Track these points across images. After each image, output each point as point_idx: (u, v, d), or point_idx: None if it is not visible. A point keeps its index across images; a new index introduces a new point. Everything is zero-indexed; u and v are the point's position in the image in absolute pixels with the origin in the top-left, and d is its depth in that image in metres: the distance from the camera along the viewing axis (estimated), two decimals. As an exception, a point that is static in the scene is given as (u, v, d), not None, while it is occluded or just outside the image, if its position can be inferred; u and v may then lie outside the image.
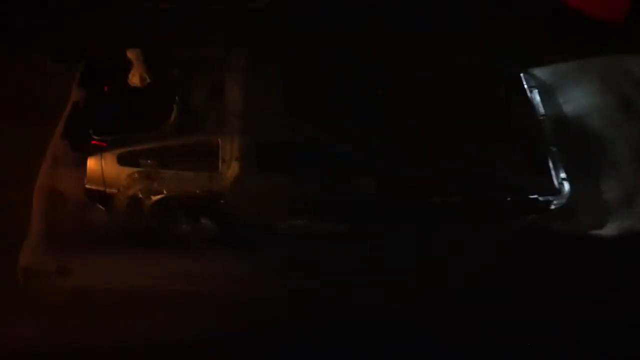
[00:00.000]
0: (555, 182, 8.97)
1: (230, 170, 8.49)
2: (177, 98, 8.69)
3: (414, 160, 8.73)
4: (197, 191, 8.59)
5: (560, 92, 10.24)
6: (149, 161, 8.58)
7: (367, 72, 9.31)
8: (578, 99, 10.15)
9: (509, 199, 8.87)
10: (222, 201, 8.65)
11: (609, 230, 8.90)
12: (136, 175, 8.57)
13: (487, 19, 10.99)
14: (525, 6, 10.93)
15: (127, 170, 8.59)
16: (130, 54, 8.72)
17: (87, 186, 8.72)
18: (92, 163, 8.61)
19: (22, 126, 9.75)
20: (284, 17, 11.08)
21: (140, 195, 8.63)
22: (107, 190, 8.68)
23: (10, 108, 9.95)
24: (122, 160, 8.57)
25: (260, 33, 9.82)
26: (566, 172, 9.19)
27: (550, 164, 9.09)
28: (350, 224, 8.99)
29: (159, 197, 8.64)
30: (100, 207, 8.82)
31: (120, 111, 8.71)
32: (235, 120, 8.50)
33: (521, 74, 9.93)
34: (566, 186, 9.08)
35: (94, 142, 8.60)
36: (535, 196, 8.90)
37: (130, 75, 8.83)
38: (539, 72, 10.38)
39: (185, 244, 8.93)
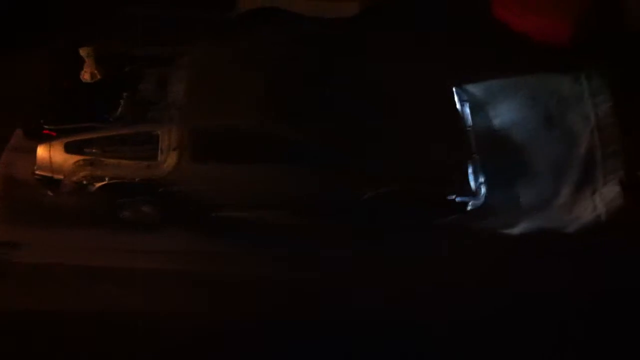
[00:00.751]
0: (473, 185, 9.63)
1: (168, 159, 9.21)
2: (124, 93, 9.43)
3: (349, 156, 9.38)
4: (137, 179, 9.28)
5: (491, 106, 10.93)
6: (93, 150, 9.30)
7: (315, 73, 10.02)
8: (507, 113, 10.85)
9: (429, 197, 9.51)
10: (160, 189, 9.32)
11: (521, 229, 9.51)
12: (81, 162, 9.31)
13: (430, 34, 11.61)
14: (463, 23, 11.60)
15: (73, 158, 9.32)
16: (82, 52, 9.50)
17: (36, 172, 9.42)
18: (41, 151, 9.36)
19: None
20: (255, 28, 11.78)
21: (85, 182, 9.32)
22: (55, 176, 9.39)
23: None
24: (68, 149, 9.32)
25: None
26: (486, 177, 9.83)
27: (470, 169, 9.75)
28: (283, 215, 9.61)
29: (101, 183, 9.33)
30: (49, 192, 9.49)
31: (71, 104, 9.45)
32: (175, 113, 9.24)
33: (454, 89, 10.63)
34: (483, 189, 9.74)
35: (45, 131, 9.32)
36: (453, 197, 9.56)
37: (82, 72, 9.58)
38: (473, 88, 11.07)
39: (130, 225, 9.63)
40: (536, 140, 10.57)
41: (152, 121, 9.30)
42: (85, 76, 9.62)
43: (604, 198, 9.66)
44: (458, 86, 10.89)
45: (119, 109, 9.38)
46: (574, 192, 9.98)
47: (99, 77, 9.60)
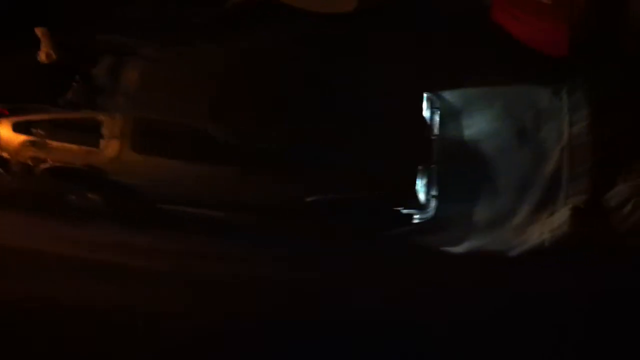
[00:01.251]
0: (422, 198, 9.31)
1: (109, 148, 9.17)
2: (77, 76, 9.40)
3: (294, 158, 9.20)
4: (78, 165, 9.28)
5: (465, 115, 10.53)
6: (39, 131, 9.33)
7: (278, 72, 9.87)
8: (480, 124, 10.43)
9: (374, 206, 9.24)
10: (100, 177, 9.31)
11: (464, 248, 9.16)
12: (27, 143, 9.36)
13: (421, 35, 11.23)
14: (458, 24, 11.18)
15: (19, 137, 9.38)
16: (38, 31, 9.50)
17: (-14, 148, 9.54)
18: (-9, 128, 9.45)
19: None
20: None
21: (30, 163, 9.37)
22: (3, 154, 9.46)
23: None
24: (17, 128, 9.37)
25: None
26: (443, 190, 9.49)
27: (423, 181, 9.42)
28: (221, 213, 9.51)
29: (45, 166, 9.36)
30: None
31: (26, 83, 9.49)
32: (123, 101, 9.18)
33: (425, 95, 10.27)
34: (434, 203, 9.40)
35: None
36: (399, 208, 9.26)
37: (39, 52, 9.59)
38: (449, 95, 10.68)
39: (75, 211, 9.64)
40: (504, 154, 10.15)
41: (99, 107, 9.22)
42: (42, 56, 9.59)
43: (552, 223, 9.19)
44: (432, 92, 10.49)
45: (70, 93, 9.32)
46: (532, 212, 9.55)
47: (54, 57, 9.56)
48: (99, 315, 8.85)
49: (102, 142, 9.22)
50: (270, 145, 9.20)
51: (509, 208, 9.63)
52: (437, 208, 9.52)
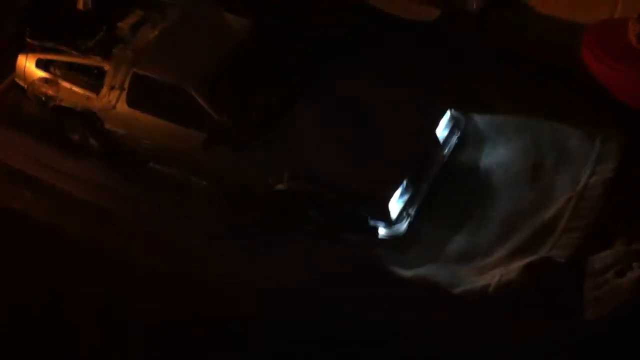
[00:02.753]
0: (392, 212, 8.86)
1: (106, 97, 9.55)
2: (104, 27, 9.88)
3: (282, 159, 9.13)
4: (78, 108, 9.75)
5: (489, 142, 9.88)
6: (56, 70, 9.91)
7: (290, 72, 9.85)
8: (499, 152, 9.74)
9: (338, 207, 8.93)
10: (96, 123, 9.73)
11: (411, 274, 8.61)
12: (42, 79, 9.96)
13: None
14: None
15: (38, 73, 10.01)
16: (78, -21, 10.09)
17: (14, 78, 10.26)
18: (20, 60, 10.16)
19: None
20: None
21: (42, 98, 9.99)
22: (25, 86, 10.15)
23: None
24: (38, 64, 10.02)
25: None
26: (425, 211, 9.01)
27: (404, 197, 8.97)
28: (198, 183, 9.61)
29: (53, 103, 9.93)
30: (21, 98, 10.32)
31: (56, 24, 10.11)
32: (130, 55, 9.51)
33: (449, 111, 9.76)
34: (407, 221, 8.93)
35: (28, 42, 10.10)
36: (366, 217, 8.89)
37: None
38: (480, 117, 10.07)
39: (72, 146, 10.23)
40: (509, 188, 9.38)
41: (110, 58, 9.61)
42: (79, 3, 10.16)
43: (505, 270, 8.38)
44: (461, 110, 9.94)
45: (93, 41, 9.80)
46: (509, 255, 8.75)
47: (89, 6, 10.09)
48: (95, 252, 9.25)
49: (102, 91, 9.56)
50: (252, 127, 9.13)
51: (489, 245, 8.88)
52: (410, 227, 8.94)
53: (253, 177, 9.15)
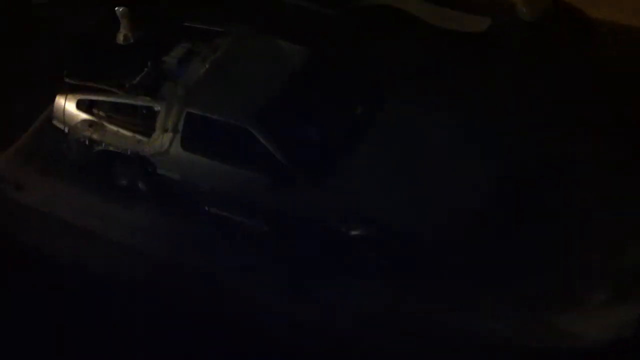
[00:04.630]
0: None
1: (159, 140, 8.81)
2: (148, 62, 9.12)
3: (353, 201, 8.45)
4: (129, 152, 9.00)
5: None
6: (100, 112, 9.15)
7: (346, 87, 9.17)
8: None
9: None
10: (149, 168, 8.98)
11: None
12: (86, 122, 9.20)
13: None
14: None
15: (80, 116, 9.25)
16: (118, 12, 9.31)
17: (52, 120, 9.49)
18: (58, 101, 9.39)
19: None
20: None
21: (85, 142, 9.22)
22: (65, 128, 9.39)
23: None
24: (79, 105, 9.26)
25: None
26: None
27: None
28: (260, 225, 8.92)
29: (99, 148, 9.17)
30: (60, 142, 9.54)
31: (96, 62, 9.35)
32: (182, 93, 8.78)
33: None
34: None
35: (67, 81, 9.33)
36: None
37: (117, 33, 9.42)
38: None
39: (119, 193, 9.47)
40: None
41: (160, 97, 8.87)
42: (119, 37, 9.42)
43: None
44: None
45: (138, 78, 9.06)
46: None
47: (131, 40, 9.34)
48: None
49: (154, 133, 8.82)
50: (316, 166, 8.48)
51: None
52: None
53: (325, 221, 8.43)
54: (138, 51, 9.39)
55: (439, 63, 10.18)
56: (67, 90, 9.39)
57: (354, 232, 8.37)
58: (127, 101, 9.06)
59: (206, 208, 9.02)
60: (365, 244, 8.40)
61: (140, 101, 8.99)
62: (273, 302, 8.41)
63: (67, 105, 9.36)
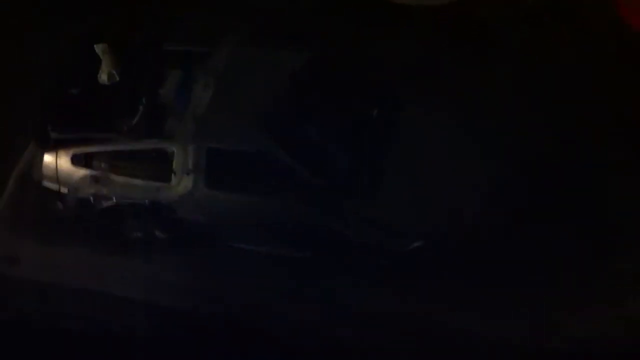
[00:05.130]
0: None
1: (181, 184, 7.97)
2: (143, 98, 8.18)
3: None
4: (146, 202, 8.10)
5: None
6: (101, 164, 8.19)
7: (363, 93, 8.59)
8: None
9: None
10: (170, 215, 8.12)
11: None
12: (87, 178, 8.23)
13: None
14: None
15: (79, 171, 8.25)
16: (98, 49, 8.30)
17: (43, 182, 8.40)
18: (48, 160, 8.33)
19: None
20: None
21: (91, 200, 8.22)
22: (61, 189, 8.34)
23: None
24: (75, 161, 8.24)
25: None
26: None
27: None
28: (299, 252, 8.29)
29: (109, 203, 8.21)
30: (55, 205, 8.48)
31: (84, 108, 8.31)
32: (194, 127, 7.94)
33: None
34: None
35: (53, 137, 8.25)
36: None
37: (99, 72, 8.39)
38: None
39: (136, 247, 8.54)
40: None
41: (168, 135, 8.02)
42: (102, 77, 8.38)
43: None
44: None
45: (135, 118, 8.12)
46: None
47: (117, 78, 8.34)
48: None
49: (174, 178, 7.96)
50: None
51: None
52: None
53: (379, 237, 7.94)
54: (125, 88, 8.37)
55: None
56: (55, 146, 8.29)
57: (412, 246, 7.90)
58: (132, 147, 8.11)
59: (241, 245, 8.26)
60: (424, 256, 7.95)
61: (148, 144, 8.07)
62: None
63: (61, 162, 8.29)
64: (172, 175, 8.03)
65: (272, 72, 8.38)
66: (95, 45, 8.37)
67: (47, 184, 8.48)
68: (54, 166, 8.34)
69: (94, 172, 8.25)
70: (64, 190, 8.39)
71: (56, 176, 8.39)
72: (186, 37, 9.04)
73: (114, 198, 8.23)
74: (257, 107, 8.14)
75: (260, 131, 7.96)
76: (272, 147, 7.87)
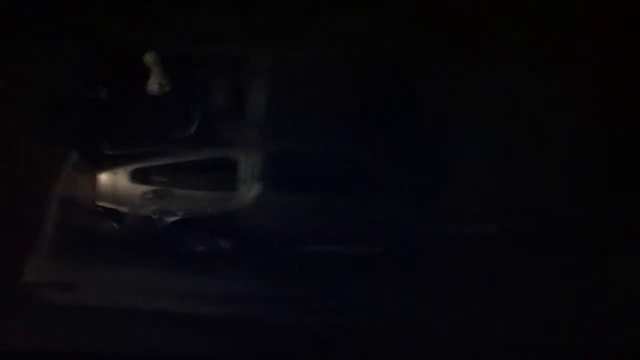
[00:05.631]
0: None
1: (249, 191, 7.73)
2: (196, 107, 7.92)
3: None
4: (212, 213, 7.85)
5: None
6: (162, 179, 7.89)
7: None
8: None
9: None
10: (242, 223, 7.88)
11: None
12: (149, 194, 7.90)
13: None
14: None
15: (139, 188, 7.93)
16: (148, 58, 7.99)
17: (98, 203, 8.05)
18: (103, 179, 7.98)
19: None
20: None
21: (154, 217, 7.92)
22: (119, 208, 8.00)
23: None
24: (135, 178, 7.91)
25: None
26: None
27: None
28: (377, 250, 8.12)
29: (172, 218, 7.91)
30: (112, 225, 8.14)
31: (136, 121, 8.00)
32: (256, 133, 7.73)
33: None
34: None
35: (107, 155, 7.92)
36: None
37: (148, 82, 8.09)
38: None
39: (199, 263, 8.23)
40: None
41: (228, 143, 7.77)
42: (152, 87, 8.09)
43: None
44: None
45: (191, 128, 7.85)
46: None
47: (167, 88, 8.06)
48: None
49: (241, 185, 7.71)
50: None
51: None
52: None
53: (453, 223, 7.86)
54: (178, 97, 8.09)
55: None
56: (113, 164, 7.96)
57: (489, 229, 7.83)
58: (193, 158, 7.84)
59: (316, 247, 8.07)
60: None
61: (211, 154, 7.80)
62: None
63: (119, 180, 7.97)
64: (240, 183, 7.74)
65: (323, 71, 8.19)
66: (146, 55, 8.05)
67: (104, 204, 8.08)
68: (111, 185, 7.97)
69: (156, 188, 7.91)
70: (122, 209, 8.01)
71: (114, 196, 8.02)
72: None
73: (180, 213, 7.90)
74: (317, 108, 7.93)
75: (326, 131, 7.75)
76: (342, 147, 7.65)
